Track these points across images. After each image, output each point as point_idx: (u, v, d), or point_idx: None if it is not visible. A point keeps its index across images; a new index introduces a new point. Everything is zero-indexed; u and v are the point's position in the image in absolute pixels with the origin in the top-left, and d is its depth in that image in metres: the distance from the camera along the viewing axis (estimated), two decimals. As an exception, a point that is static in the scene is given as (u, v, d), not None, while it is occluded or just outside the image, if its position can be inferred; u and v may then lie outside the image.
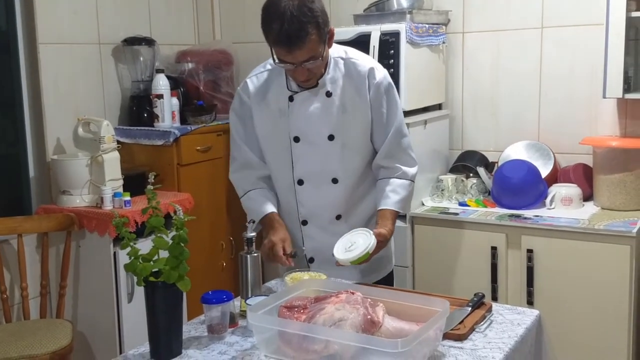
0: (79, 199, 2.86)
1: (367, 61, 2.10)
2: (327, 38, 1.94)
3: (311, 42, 1.87)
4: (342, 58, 2.07)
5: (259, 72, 2.14)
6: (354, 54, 2.10)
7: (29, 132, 2.99)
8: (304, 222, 2.17)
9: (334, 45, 2.06)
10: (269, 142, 2.14)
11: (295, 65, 1.92)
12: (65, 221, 2.79)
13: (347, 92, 2.05)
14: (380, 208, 2.10)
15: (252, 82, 2.13)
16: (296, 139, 2.09)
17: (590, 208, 2.86)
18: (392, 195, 2.09)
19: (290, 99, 2.07)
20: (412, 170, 2.15)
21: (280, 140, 2.10)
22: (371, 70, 2.06)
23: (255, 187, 2.18)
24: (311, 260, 2.19)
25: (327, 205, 2.13)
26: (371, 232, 1.94)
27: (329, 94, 2.05)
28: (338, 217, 2.15)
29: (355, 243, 1.92)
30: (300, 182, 2.13)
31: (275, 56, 1.93)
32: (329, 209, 2.13)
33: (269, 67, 2.11)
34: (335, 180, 2.11)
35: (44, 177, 3.03)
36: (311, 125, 2.06)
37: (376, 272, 2.21)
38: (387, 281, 2.26)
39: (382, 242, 2.00)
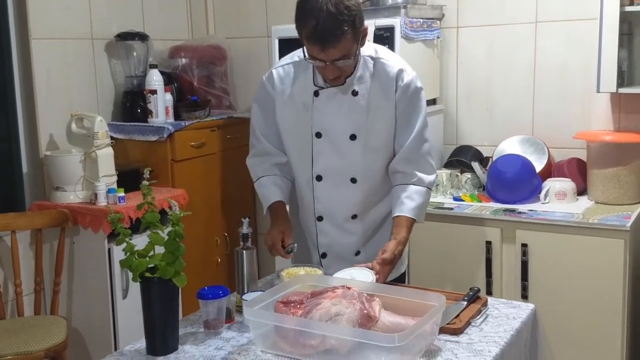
0: (73, 195, 2.85)
1: (397, 62, 2.05)
2: (360, 37, 1.91)
3: (345, 41, 1.84)
4: (371, 57, 2.03)
5: (286, 63, 2.10)
6: (383, 53, 2.06)
7: (21, 128, 2.97)
8: (320, 218, 2.15)
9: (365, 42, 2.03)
10: (291, 135, 2.11)
11: (327, 63, 1.89)
12: (59, 217, 2.78)
13: (373, 93, 2.02)
14: (395, 215, 2.06)
15: (278, 72, 2.10)
16: (318, 135, 2.06)
17: (585, 202, 2.87)
18: (407, 202, 2.05)
19: (316, 94, 2.04)
20: (429, 178, 2.09)
21: (302, 134, 2.08)
22: (400, 72, 2.02)
23: (267, 173, 2.16)
24: (323, 255, 2.18)
25: (344, 204, 2.11)
26: (373, 272, 1.90)
27: (355, 93, 2.02)
28: (354, 217, 2.14)
29: (353, 279, 1.86)
30: (319, 178, 2.11)
31: (306, 52, 1.90)
32: (345, 208, 2.11)
33: (296, 59, 2.07)
34: (354, 180, 2.09)
35: (38, 173, 3.01)
36: (334, 122, 2.04)
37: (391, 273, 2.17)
38: (400, 282, 2.24)
39: (389, 263, 1.95)
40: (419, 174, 2.08)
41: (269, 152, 2.16)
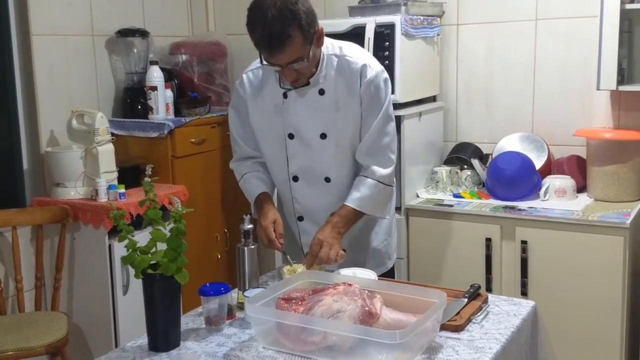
0: (74, 191, 2.85)
1: (362, 58, 2.04)
2: (314, 39, 1.90)
3: (294, 45, 1.84)
4: (336, 55, 2.03)
5: (255, 67, 2.12)
6: (349, 50, 2.05)
7: (22, 125, 2.96)
8: (300, 218, 2.18)
9: (331, 41, 2.04)
10: (265, 137, 2.13)
11: (282, 67, 1.90)
12: (60, 213, 2.78)
13: (339, 90, 2.02)
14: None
15: (248, 77, 2.12)
16: (290, 136, 2.08)
17: (584, 199, 2.88)
18: (353, 192, 2.06)
19: (285, 95, 2.05)
20: (381, 171, 2.06)
21: (276, 136, 2.10)
22: (364, 67, 2.01)
23: (250, 170, 2.20)
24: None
25: (321, 203, 2.12)
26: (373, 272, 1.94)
27: (322, 92, 2.03)
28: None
29: (355, 276, 1.89)
30: (295, 179, 2.13)
31: (261, 57, 1.92)
32: (323, 207, 2.11)
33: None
34: (327, 179, 2.11)
35: (38, 169, 3.01)
36: (304, 123, 2.05)
37: (375, 269, 2.15)
38: (389, 277, 2.25)
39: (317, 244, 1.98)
40: (373, 167, 2.07)
41: (251, 155, 2.20)
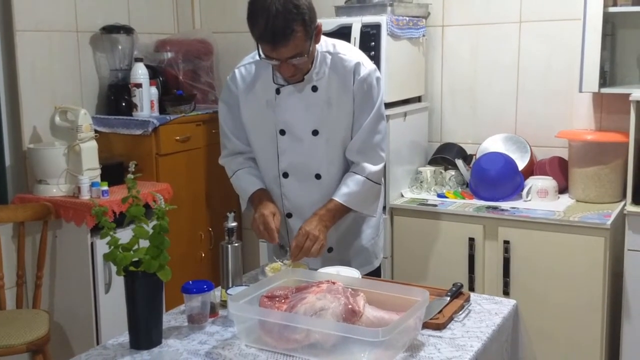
0: (56, 189, 2.83)
1: (355, 56, 2.06)
2: (313, 34, 1.92)
3: (296, 40, 1.86)
4: (329, 52, 2.04)
5: (247, 62, 2.12)
6: (342, 48, 2.07)
7: (5, 121, 2.94)
8: (289, 215, 2.17)
9: (324, 39, 2.05)
10: (256, 133, 2.13)
11: (281, 61, 1.91)
12: (42, 211, 2.76)
13: (333, 88, 2.03)
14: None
15: (240, 72, 2.12)
16: (282, 132, 2.08)
17: (566, 200, 2.91)
18: (341, 187, 2.07)
19: (277, 91, 2.05)
20: (371, 168, 2.08)
21: (267, 132, 2.10)
22: (357, 65, 2.03)
23: (242, 166, 2.18)
24: None
25: (311, 200, 2.11)
26: (357, 271, 1.94)
27: (315, 89, 2.03)
28: None
29: (338, 274, 1.88)
30: (285, 175, 2.13)
31: (260, 51, 1.92)
32: (313, 204, 2.11)
33: (257, 57, 2.06)
34: (318, 176, 2.11)
35: (20, 166, 2.99)
36: (296, 119, 2.05)
37: (362, 268, 2.17)
38: (375, 276, 2.25)
39: (304, 234, 1.98)
40: (363, 164, 2.09)
41: (241, 150, 2.19)
